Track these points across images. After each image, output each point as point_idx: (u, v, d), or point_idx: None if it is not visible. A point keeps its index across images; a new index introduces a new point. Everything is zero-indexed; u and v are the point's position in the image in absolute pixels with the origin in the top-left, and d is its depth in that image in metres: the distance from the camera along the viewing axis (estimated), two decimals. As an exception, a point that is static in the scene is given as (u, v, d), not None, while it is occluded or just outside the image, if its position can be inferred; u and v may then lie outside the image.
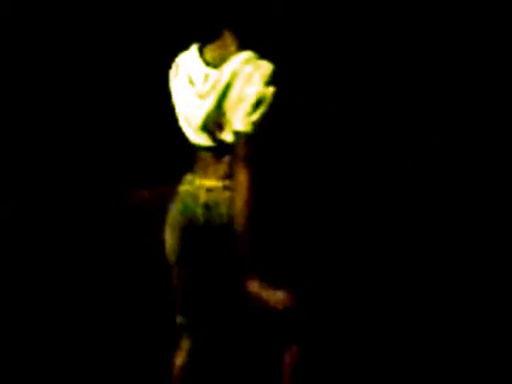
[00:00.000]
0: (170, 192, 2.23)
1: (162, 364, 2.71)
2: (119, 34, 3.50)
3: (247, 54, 1.94)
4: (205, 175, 2.10)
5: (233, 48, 2.00)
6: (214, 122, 2.02)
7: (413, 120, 3.58)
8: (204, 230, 2.08)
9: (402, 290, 3.40)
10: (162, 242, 2.21)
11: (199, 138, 2.05)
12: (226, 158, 2.06)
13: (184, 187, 2.15)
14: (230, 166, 2.04)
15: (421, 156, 3.60)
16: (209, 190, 2.11)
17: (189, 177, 2.13)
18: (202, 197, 2.11)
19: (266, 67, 1.92)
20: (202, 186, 2.11)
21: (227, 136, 2.00)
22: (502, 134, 3.62)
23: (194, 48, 2.10)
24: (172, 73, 2.12)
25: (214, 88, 1.97)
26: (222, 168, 2.07)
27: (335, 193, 2.99)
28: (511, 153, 3.60)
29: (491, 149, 3.63)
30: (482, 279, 3.41)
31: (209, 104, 1.99)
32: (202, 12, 2.12)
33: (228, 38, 2.04)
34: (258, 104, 1.92)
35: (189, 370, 2.21)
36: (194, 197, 2.13)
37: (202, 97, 2.01)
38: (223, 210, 2.06)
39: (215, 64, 2.02)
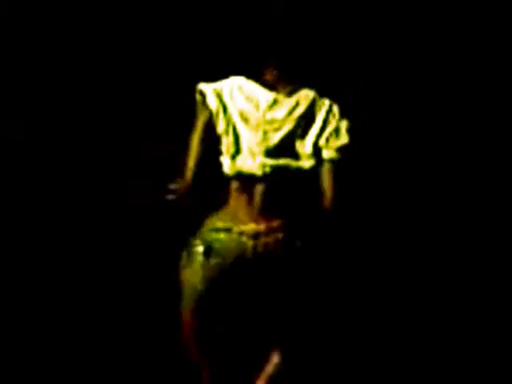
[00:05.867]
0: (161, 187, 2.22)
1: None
2: (118, 32, 3.50)
3: (313, 91, 2.13)
4: (251, 217, 2.13)
5: (288, 81, 2.14)
6: (286, 147, 2.08)
7: (412, 119, 3.58)
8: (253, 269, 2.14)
9: (401, 290, 3.40)
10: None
11: (260, 164, 2.07)
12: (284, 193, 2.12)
13: (218, 235, 2.16)
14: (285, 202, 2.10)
15: (421, 156, 3.60)
16: (260, 234, 2.16)
17: (220, 223, 2.14)
18: (251, 243, 2.15)
19: (332, 103, 2.15)
20: (250, 230, 2.13)
21: (305, 162, 2.08)
22: (501, 133, 3.62)
23: (241, 78, 2.15)
24: (213, 99, 2.14)
25: (291, 114, 2.05)
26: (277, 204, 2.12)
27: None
28: (511, 153, 3.60)
29: (491, 148, 3.62)
30: (482, 279, 3.42)
31: (286, 129, 2.05)
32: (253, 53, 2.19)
33: (273, 73, 2.16)
34: (338, 131, 2.12)
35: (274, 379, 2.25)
36: (239, 244, 2.15)
37: (271, 122, 2.05)
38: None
39: (280, 92, 2.10)
